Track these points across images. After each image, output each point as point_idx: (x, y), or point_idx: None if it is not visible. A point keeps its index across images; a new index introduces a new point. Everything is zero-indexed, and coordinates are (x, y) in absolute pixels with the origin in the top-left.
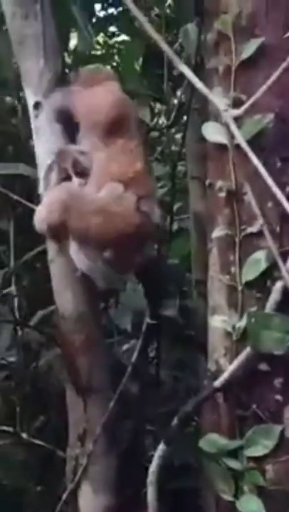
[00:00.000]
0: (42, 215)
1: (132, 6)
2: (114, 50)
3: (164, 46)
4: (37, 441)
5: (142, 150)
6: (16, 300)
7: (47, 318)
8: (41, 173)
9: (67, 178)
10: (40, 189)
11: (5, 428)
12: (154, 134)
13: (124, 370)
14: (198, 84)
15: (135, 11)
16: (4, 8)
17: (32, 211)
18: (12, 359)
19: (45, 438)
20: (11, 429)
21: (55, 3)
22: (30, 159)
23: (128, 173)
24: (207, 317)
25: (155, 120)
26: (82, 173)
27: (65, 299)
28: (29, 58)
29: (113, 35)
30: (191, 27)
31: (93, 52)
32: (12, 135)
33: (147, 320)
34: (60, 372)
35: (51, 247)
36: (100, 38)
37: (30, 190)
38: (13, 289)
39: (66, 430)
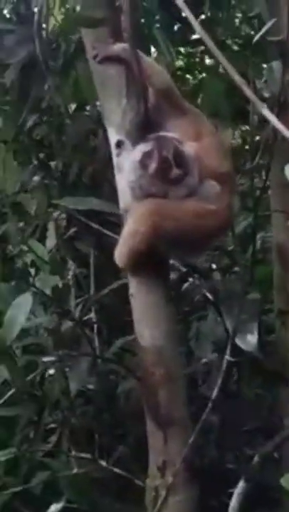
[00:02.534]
0: (123, 249)
1: (212, 46)
2: (197, 59)
3: (246, 89)
4: (115, 470)
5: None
6: (95, 327)
7: (126, 348)
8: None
9: (167, 166)
10: (126, 195)
11: (84, 455)
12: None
13: (204, 401)
14: (281, 128)
15: (216, 52)
16: (87, 50)
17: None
18: (91, 386)
19: (124, 466)
20: (89, 455)
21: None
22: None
23: (221, 168)
24: None
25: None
26: (180, 163)
27: (145, 332)
28: (112, 98)
29: (195, 44)
30: (276, 65)
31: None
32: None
33: (228, 357)
34: (138, 403)
35: (132, 282)
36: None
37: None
38: (92, 316)
39: (144, 459)
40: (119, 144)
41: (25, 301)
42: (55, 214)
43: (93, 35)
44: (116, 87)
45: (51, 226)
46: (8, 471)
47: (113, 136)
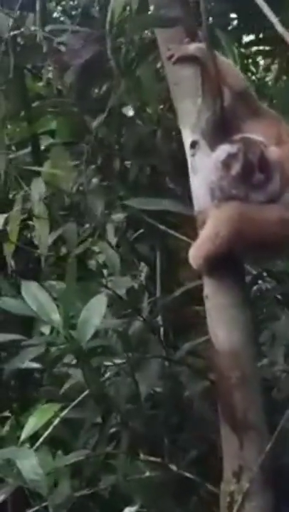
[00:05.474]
0: (200, 251)
1: None
2: (250, 61)
3: None
4: (186, 474)
5: None
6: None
7: (194, 350)
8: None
9: (251, 170)
10: (204, 199)
11: (153, 459)
12: None
13: (278, 407)
14: None
15: None
16: (161, 50)
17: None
18: (159, 389)
19: (194, 470)
20: (158, 459)
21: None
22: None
23: None
24: None
25: None
26: (264, 168)
27: (221, 335)
28: (186, 98)
29: (248, 45)
30: None
31: None
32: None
33: None
34: (209, 406)
35: (207, 283)
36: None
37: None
38: (158, 318)
39: (215, 464)
40: (194, 145)
41: (99, 302)
42: (115, 216)
43: (167, 35)
44: (191, 88)
45: (110, 228)
46: (73, 473)
47: (188, 137)
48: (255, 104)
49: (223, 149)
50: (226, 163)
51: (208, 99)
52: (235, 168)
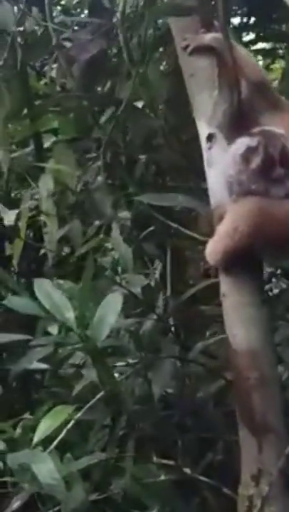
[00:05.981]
0: (217, 247)
1: None
2: None
3: None
4: (201, 478)
5: None
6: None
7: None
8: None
9: (272, 164)
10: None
11: (165, 461)
12: None
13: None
14: None
15: None
16: (176, 41)
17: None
18: (170, 390)
19: (209, 473)
20: (172, 462)
21: None
22: None
23: None
24: None
25: None
26: (285, 162)
27: (238, 334)
28: (202, 90)
29: (249, 43)
30: None
31: None
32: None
33: None
34: (223, 406)
35: (225, 281)
36: None
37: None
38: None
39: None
40: (210, 138)
41: (114, 301)
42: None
43: (183, 25)
44: (207, 79)
45: (115, 226)
46: (82, 477)
47: (203, 129)
48: (273, 96)
49: (242, 142)
50: (246, 157)
51: (225, 90)
52: (255, 161)
